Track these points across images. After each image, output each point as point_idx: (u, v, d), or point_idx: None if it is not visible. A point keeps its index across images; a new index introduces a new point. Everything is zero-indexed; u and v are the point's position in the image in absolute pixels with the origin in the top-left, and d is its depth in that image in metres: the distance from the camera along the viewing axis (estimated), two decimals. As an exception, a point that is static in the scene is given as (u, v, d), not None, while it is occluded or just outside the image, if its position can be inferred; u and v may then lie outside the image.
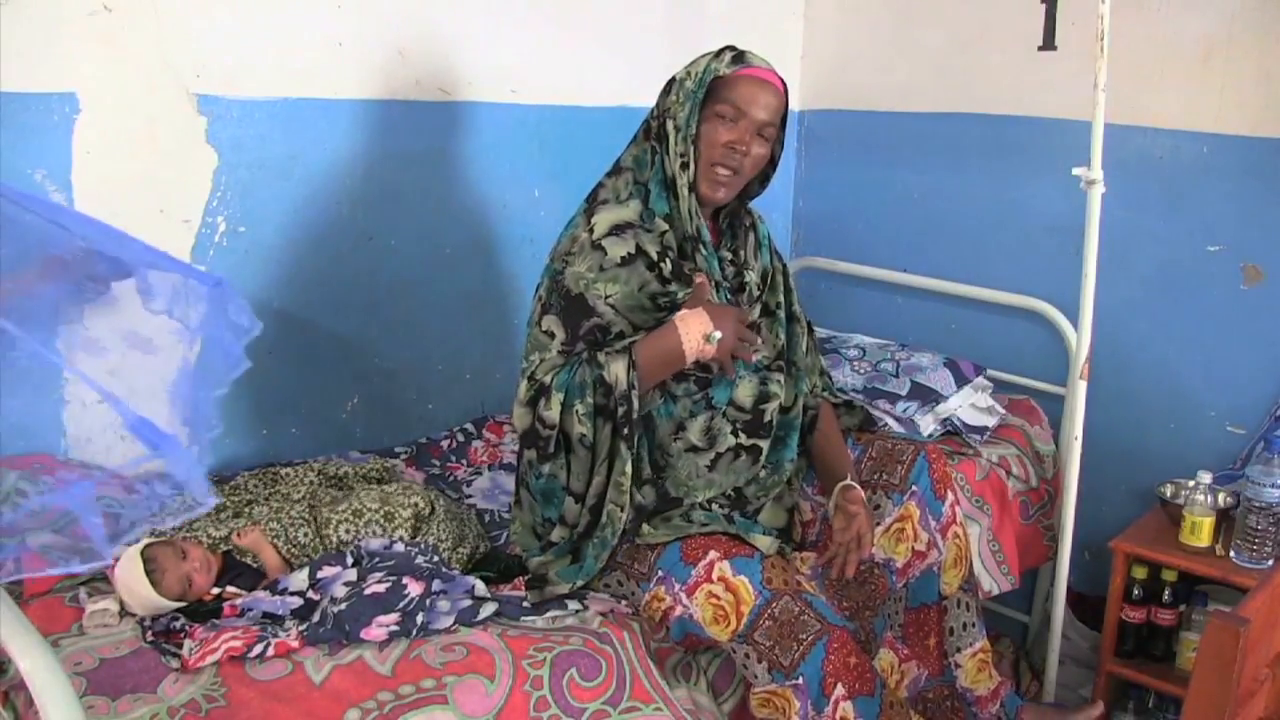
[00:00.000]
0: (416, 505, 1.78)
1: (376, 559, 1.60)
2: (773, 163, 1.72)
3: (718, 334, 1.59)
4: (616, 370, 1.57)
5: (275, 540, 1.69)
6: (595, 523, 1.64)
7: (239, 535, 1.67)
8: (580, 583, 1.62)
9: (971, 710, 1.82)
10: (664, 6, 2.53)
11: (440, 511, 1.81)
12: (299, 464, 2.00)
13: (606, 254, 1.63)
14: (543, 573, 1.65)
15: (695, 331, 1.58)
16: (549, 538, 1.69)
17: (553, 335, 1.63)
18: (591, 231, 1.65)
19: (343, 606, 1.45)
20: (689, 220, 1.65)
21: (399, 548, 1.66)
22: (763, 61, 1.66)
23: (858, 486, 1.76)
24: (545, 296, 1.66)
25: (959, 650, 1.82)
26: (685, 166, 1.63)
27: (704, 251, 1.68)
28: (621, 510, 1.61)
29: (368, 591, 1.48)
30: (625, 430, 1.59)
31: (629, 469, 1.60)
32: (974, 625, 1.83)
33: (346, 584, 1.52)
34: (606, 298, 1.62)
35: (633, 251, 1.63)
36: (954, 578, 1.81)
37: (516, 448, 1.78)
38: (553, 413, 1.59)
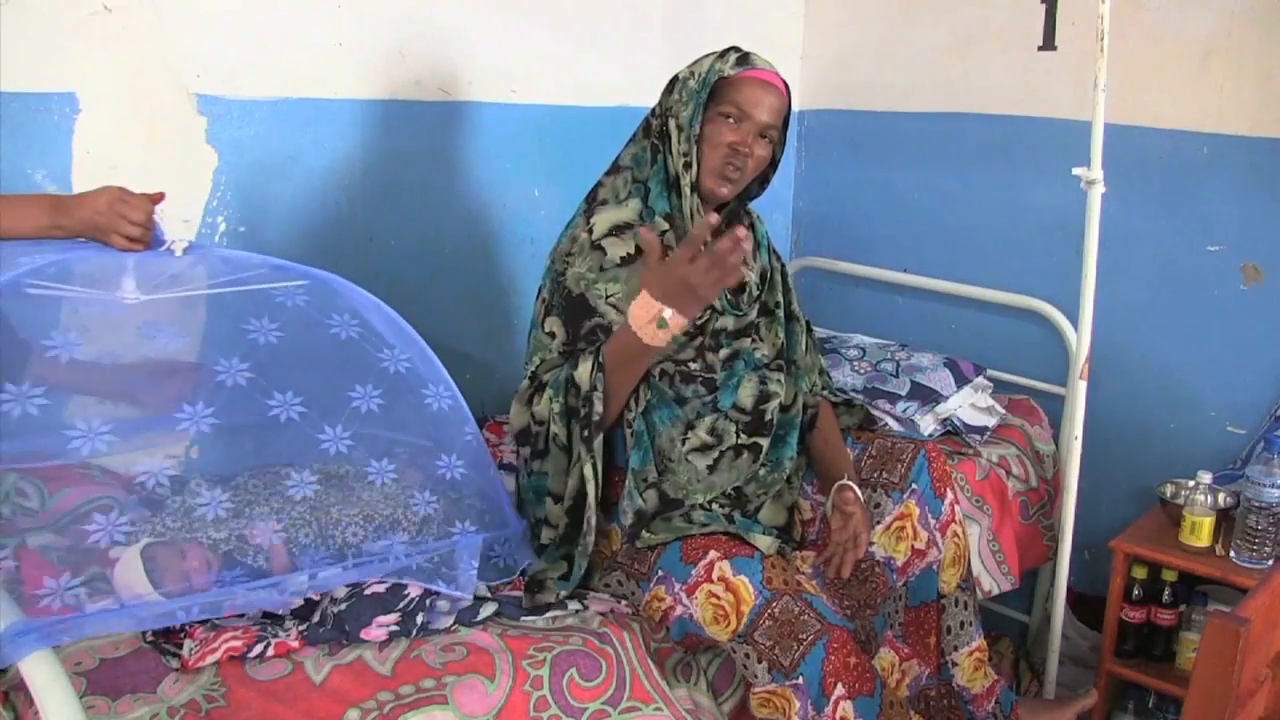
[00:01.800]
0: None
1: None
2: (773, 164, 1.72)
3: (669, 311, 1.45)
4: (583, 370, 1.56)
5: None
6: (577, 528, 1.64)
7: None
8: (565, 593, 1.60)
9: (968, 708, 1.82)
10: (664, 7, 2.53)
11: (440, 511, 1.81)
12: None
13: (606, 254, 1.63)
14: (541, 578, 1.65)
15: (643, 319, 1.47)
16: (540, 539, 1.69)
17: (554, 336, 1.64)
18: (591, 232, 1.65)
19: (343, 606, 1.45)
20: (690, 219, 1.65)
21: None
22: (766, 63, 1.66)
23: (854, 486, 1.76)
24: (548, 298, 1.66)
25: (956, 649, 1.82)
26: (688, 166, 1.63)
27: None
28: (593, 516, 1.59)
29: (368, 592, 1.48)
30: (585, 433, 1.57)
31: (587, 471, 1.58)
32: (971, 624, 1.83)
33: (347, 584, 1.52)
34: (608, 297, 1.62)
35: (632, 251, 1.63)
36: (952, 576, 1.81)
37: (516, 448, 1.79)
38: (542, 409, 1.60)
